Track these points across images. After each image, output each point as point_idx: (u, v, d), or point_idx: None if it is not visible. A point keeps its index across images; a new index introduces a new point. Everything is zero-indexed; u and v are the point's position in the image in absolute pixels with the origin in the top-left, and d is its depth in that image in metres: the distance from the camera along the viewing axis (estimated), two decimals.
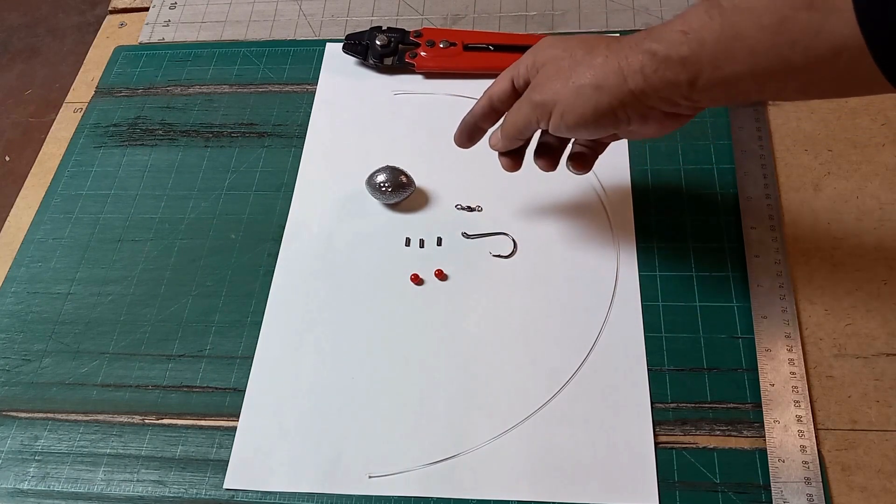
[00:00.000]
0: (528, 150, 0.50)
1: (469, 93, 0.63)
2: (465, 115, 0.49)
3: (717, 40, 0.35)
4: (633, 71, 0.38)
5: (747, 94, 0.37)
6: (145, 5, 0.74)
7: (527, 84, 0.45)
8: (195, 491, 0.48)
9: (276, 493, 0.47)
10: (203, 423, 0.50)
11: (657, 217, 0.54)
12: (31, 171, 0.65)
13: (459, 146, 0.51)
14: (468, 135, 0.50)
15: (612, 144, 0.49)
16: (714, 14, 0.35)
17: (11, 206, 0.63)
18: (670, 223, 0.54)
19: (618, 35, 0.42)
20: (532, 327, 0.51)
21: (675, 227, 0.54)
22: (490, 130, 0.50)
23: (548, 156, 0.48)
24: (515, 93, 0.46)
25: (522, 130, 0.46)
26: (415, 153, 0.60)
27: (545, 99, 0.42)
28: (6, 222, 0.63)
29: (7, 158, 1.33)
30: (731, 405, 0.47)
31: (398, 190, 0.56)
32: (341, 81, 0.66)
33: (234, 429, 0.50)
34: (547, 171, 0.49)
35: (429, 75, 0.65)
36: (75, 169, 0.64)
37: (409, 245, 0.56)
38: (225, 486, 0.48)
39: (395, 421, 0.48)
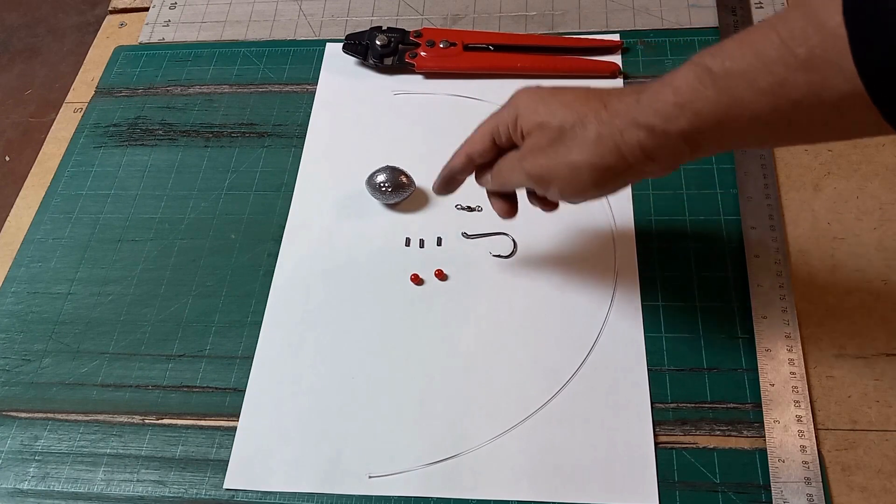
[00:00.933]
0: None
1: (469, 93, 0.63)
2: (442, 167, 0.48)
3: (715, 110, 0.34)
4: (631, 148, 0.37)
5: (750, 147, 0.36)
6: (145, 5, 0.74)
7: (509, 142, 0.43)
8: (195, 491, 0.48)
9: (276, 493, 0.47)
10: (203, 423, 0.50)
11: (657, 217, 0.54)
12: (31, 171, 0.65)
13: (438, 195, 0.50)
14: (447, 186, 0.48)
15: None
16: (706, 81, 0.34)
17: (11, 206, 0.63)
18: (670, 223, 0.54)
19: (600, 88, 0.39)
20: (532, 327, 0.51)
21: (675, 227, 0.54)
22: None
23: (546, 199, 0.46)
24: (496, 148, 0.44)
25: (516, 188, 0.45)
26: (415, 153, 0.60)
27: (541, 174, 0.41)
28: (6, 222, 0.63)
29: (7, 158, 1.33)
30: (731, 405, 0.47)
31: (398, 190, 0.56)
32: (341, 81, 0.66)
33: (234, 429, 0.50)
34: (548, 212, 0.47)
35: (429, 75, 0.65)
36: (75, 169, 0.64)
37: (409, 245, 0.56)
38: (225, 486, 0.48)
39: (395, 421, 0.48)
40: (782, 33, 0.31)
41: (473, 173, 0.47)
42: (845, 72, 0.29)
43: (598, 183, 0.39)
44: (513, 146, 0.43)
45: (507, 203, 0.47)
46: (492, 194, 0.48)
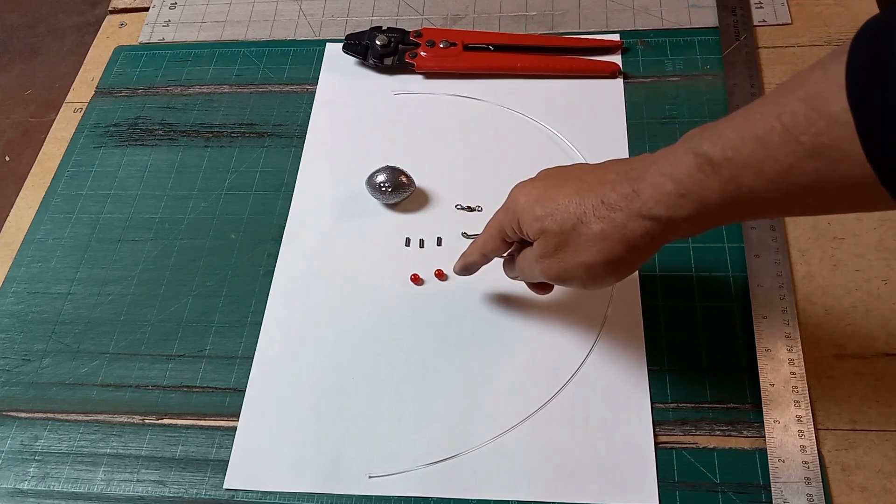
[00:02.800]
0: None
1: (469, 93, 0.63)
2: (460, 256, 0.49)
3: (722, 197, 0.34)
4: (638, 237, 0.37)
5: (761, 218, 0.35)
6: (145, 5, 0.74)
7: (519, 238, 0.44)
8: (195, 491, 0.48)
9: (276, 493, 0.47)
10: (203, 423, 0.50)
11: None
12: (31, 171, 0.65)
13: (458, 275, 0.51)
14: (465, 273, 0.50)
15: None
16: (708, 171, 0.33)
17: (11, 206, 0.63)
18: None
19: (590, 173, 0.39)
20: (532, 327, 0.51)
21: None
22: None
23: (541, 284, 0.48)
24: (508, 245, 0.46)
25: (540, 281, 0.46)
26: (415, 153, 0.60)
27: (559, 276, 0.42)
28: (6, 222, 0.63)
29: (7, 158, 1.33)
30: (731, 405, 0.47)
31: (398, 190, 0.56)
32: (341, 81, 0.66)
33: (234, 429, 0.50)
34: (543, 295, 0.49)
35: (429, 75, 0.65)
36: (75, 169, 0.64)
37: (409, 245, 0.56)
38: (225, 486, 0.48)
39: (395, 421, 0.48)
40: (784, 120, 0.30)
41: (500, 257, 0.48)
42: (854, 158, 0.28)
43: (615, 272, 0.40)
44: (524, 241, 0.44)
45: (540, 288, 0.48)
46: (530, 285, 0.49)
